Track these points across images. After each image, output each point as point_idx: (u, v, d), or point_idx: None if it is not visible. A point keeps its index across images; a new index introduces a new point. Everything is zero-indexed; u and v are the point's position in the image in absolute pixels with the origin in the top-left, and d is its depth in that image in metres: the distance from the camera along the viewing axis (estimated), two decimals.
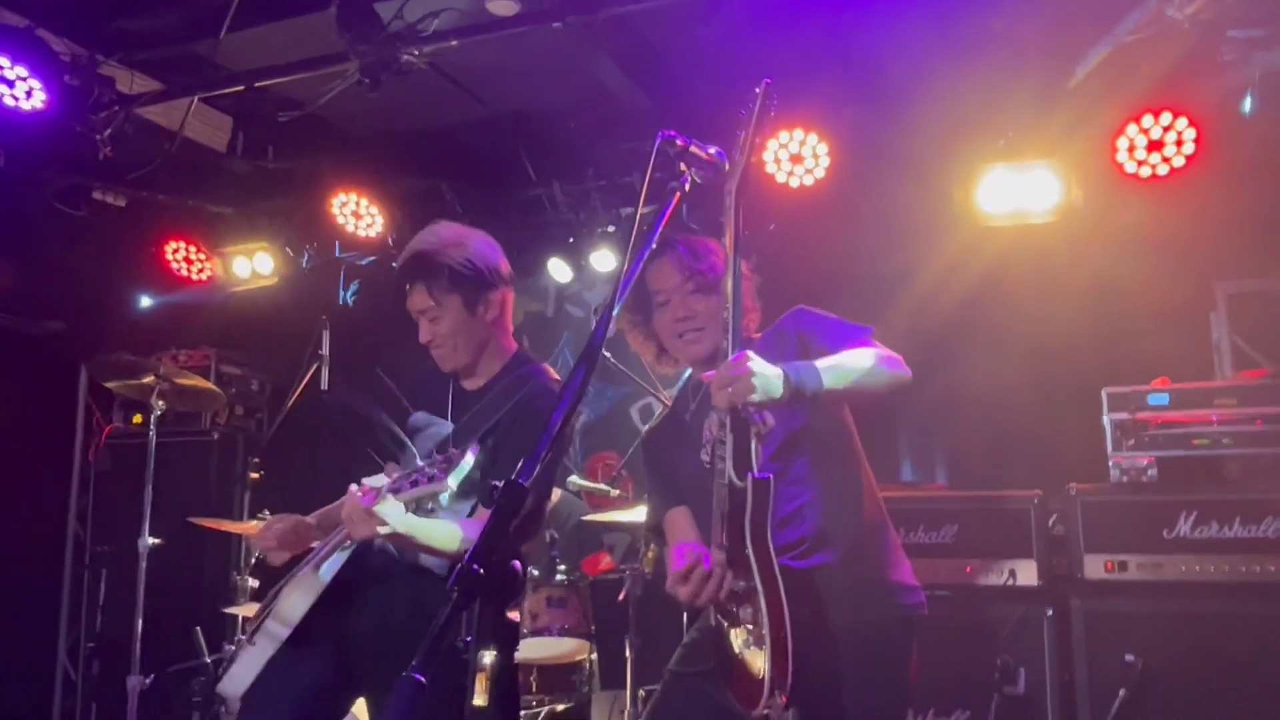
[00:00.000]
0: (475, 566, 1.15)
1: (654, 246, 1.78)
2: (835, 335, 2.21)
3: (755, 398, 1.91)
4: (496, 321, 2.54)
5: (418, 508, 2.16)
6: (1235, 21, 3.77)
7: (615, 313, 1.55)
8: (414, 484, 2.06)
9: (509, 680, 1.22)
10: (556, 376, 2.53)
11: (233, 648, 2.49)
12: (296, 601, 2.30)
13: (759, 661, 1.90)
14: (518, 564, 1.19)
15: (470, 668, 1.16)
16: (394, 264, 2.55)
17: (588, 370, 1.39)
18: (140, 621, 4.41)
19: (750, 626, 1.94)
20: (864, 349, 2.13)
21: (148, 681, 4.34)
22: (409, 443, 2.57)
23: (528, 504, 1.24)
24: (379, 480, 2.18)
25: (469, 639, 1.13)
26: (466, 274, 2.47)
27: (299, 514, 2.56)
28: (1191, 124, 4.05)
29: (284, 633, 2.27)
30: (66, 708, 5.84)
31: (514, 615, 1.11)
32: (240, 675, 2.32)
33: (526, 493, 1.23)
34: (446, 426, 2.52)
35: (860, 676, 2.08)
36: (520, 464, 1.28)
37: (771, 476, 1.94)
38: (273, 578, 2.55)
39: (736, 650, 1.98)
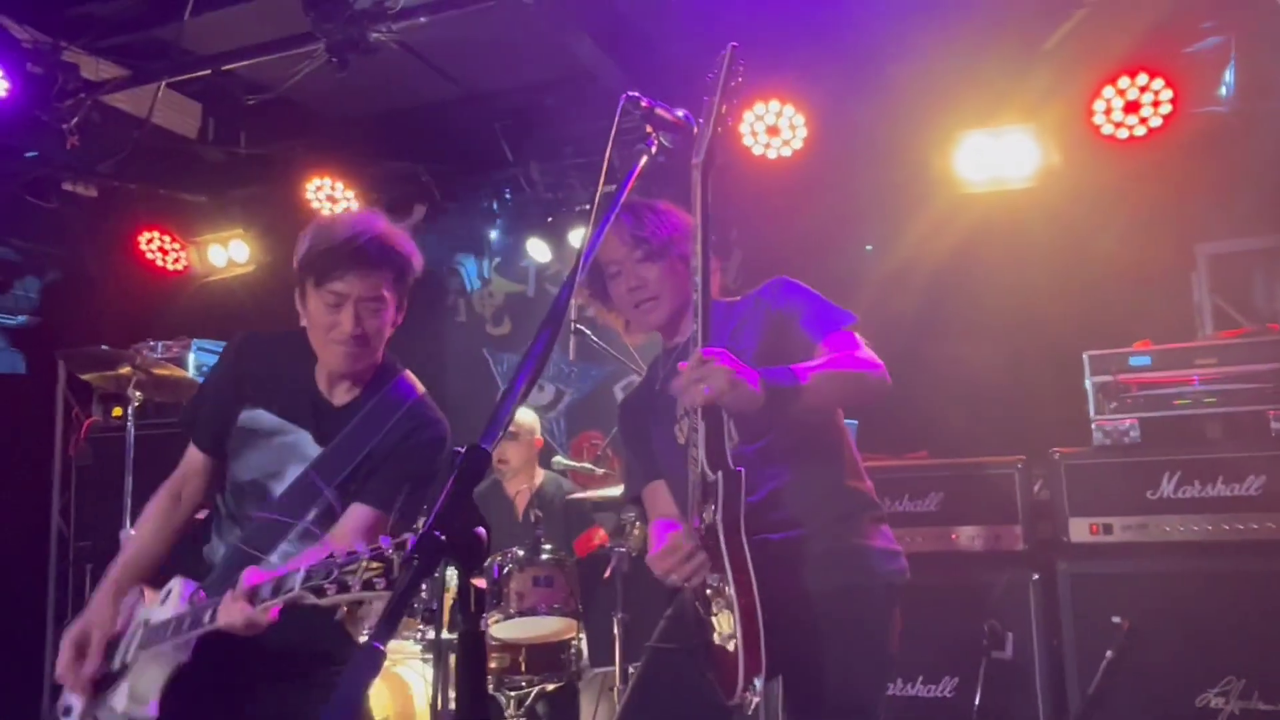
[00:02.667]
0: (437, 533, 1.13)
1: (612, 213, 1.73)
2: (816, 323, 2.15)
3: (731, 397, 1.85)
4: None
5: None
6: None
7: (579, 277, 1.52)
8: (342, 588, 1.69)
9: (477, 650, 1.18)
10: (422, 389, 2.35)
11: None
12: (153, 675, 2.07)
13: (733, 652, 1.88)
14: (481, 530, 1.16)
15: (437, 628, 1.13)
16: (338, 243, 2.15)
17: (552, 334, 1.36)
18: None
19: (725, 616, 1.92)
20: (848, 358, 2.07)
21: None
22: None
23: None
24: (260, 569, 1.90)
25: (433, 606, 1.10)
26: (410, 269, 2.25)
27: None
28: (1168, 84, 4.04)
29: (145, 712, 2.04)
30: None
31: (479, 583, 1.08)
32: None
33: (489, 457, 1.21)
34: (303, 437, 2.25)
35: (839, 642, 2.06)
36: (484, 429, 1.25)
37: (743, 470, 1.90)
38: None
39: (714, 637, 1.97)
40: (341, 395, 2.29)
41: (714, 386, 1.83)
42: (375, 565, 1.64)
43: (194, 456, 2.38)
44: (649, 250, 2.21)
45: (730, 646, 1.89)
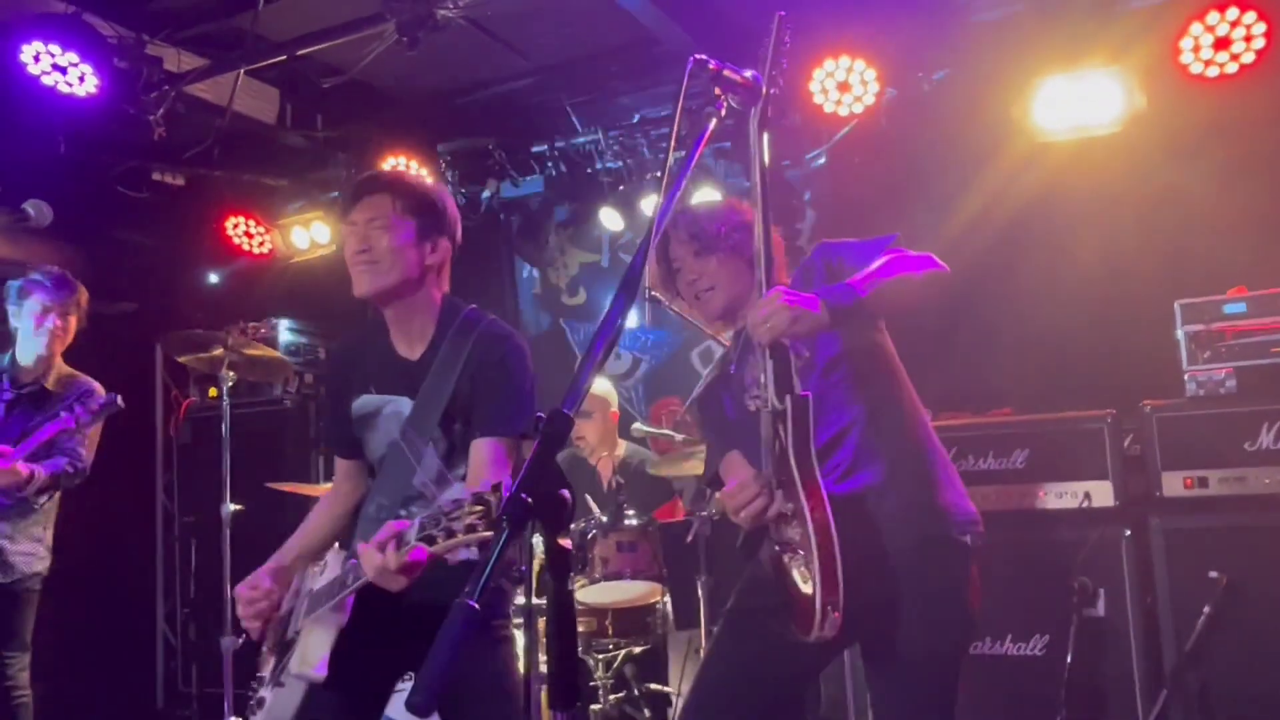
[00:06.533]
0: (524, 495, 1.17)
1: (684, 177, 1.75)
2: (861, 253, 2.22)
3: (797, 328, 1.95)
4: (435, 270, 2.39)
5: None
6: None
7: (654, 241, 1.54)
8: (449, 534, 1.80)
9: (567, 609, 1.22)
10: (490, 316, 2.44)
11: (253, 698, 2.40)
12: (319, 639, 2.21)
13: (810, 592, 1.90)
14: (566, 492, 1.20)
15: (508, 593, 1.17)
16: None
17: (627, 300, 1.38)
18: (229, 585, 4.58)
19: (801, 550, 1.95)
20: (891, 256, 2.14)
21: (240, 641, 4.49)
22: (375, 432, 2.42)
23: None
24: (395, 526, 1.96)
25: (523, 568, 1.14)
26: (433, 205, 2.38)
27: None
28: (1261, 17, 3.86)
29: (313, 674, 2.18)
30: (169, 670, 6.12)
31: (565, 543, 1.12)
32: (276, 718, 2.24)
33: (571, 422, 1.24)
34: (403, 403, 2.36)
35: (917, 603, 2.06)
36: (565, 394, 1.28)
37: (810, 395, 1.98)
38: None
39: (794, 578, 1.99)
40: (418, 349, 2.39)
41: (777, 326, 1.94)
42: (476, 509, 1.73)
43: (339, 463, 2.58)
44: (702, 244, 2.35)
45: (804, 583, 1.92)
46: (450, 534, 1.76)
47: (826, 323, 1.97)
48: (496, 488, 1.69)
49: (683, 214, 2.38)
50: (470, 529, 1.73)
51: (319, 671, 2.17)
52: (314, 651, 2.19)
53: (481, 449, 2.25)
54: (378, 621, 2.19)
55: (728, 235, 2.34)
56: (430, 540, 1.80)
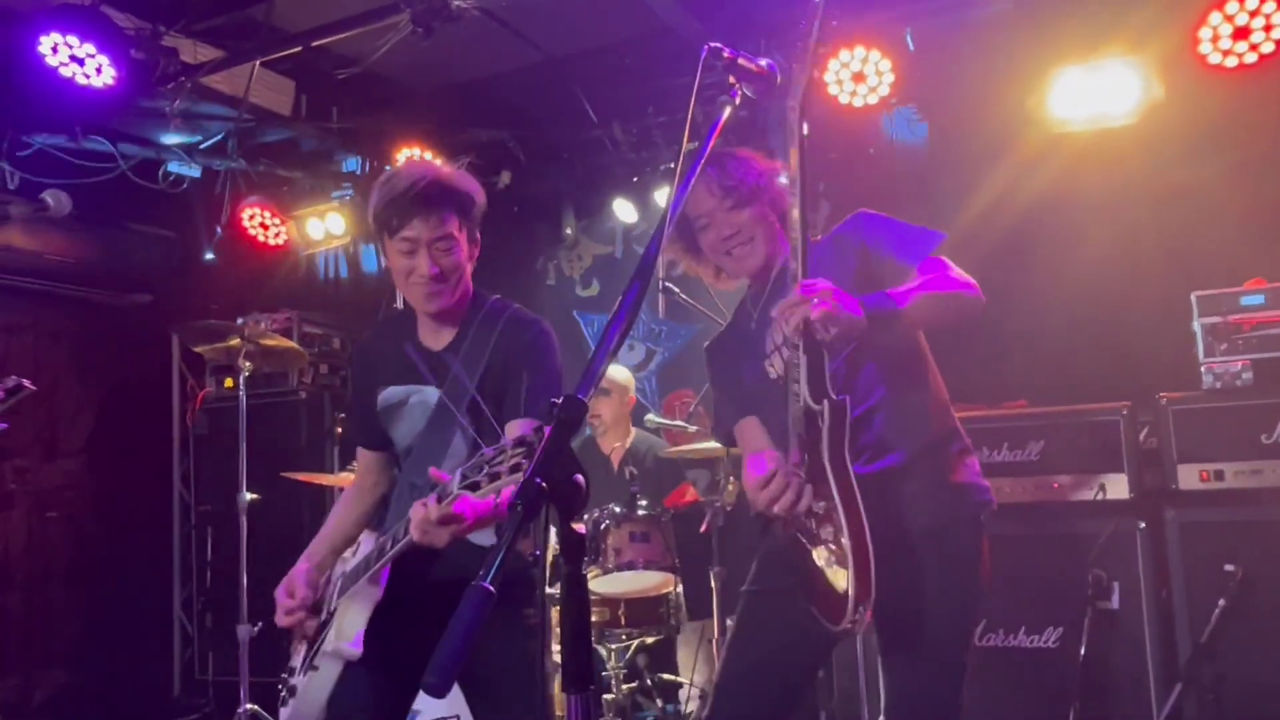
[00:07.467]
0: (538, 480, 1.18)
1: (698, 166, 1.73)
2: (903, 245, 2.18)
3: (838, 329, 1.90)
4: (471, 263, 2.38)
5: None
6: None
7: (667, 232, 1.53)
8: (493, 478, 1.77)
9: (580, 592, 1.21)
10: (516, 305, 2.43)
11: (284, 689, 2.40)
12: (354, 614, 2.21)
13: (841, 578, 1.91)
14: (580, 478, 1.20)
15: (539, 581, 1.18)
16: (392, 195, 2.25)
17: (642, 287, 1.39)
18: (245, 573, 4.61)
19: (831, 544, 1.95)
20: (942, 279, 2.10)
21: (256, 629, 4.54)
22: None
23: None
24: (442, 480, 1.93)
25: (536, 552, 1.15)
26: (475, 205, 2.34)
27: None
28: None
29: (348, 649, 2.18)
30: (186, 658, 6.17)
31: (580, 528, 1.12)
32: (309, 701, 2.24)
33: (585, 407, 1.24)
34: (429, 392, 2.34)
35: (931, 577, 2.09)
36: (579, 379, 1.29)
37: (848, 399, 1.96)
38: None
39: (819, 567, 1.99)
40: (444, 339, 2.39)
41: (822, 308, 1.87)
42: (519, 450, 1.69)
43: (363, 455, 2.57)
44: (740, 197, 2.26)
45: (833, 576, 1.93)
46: (494, 477, 1.73)
47: (864, 328, 1.94)
48: (538, 429, 1.64)
49: (711, 165, 2.24)
50: (515, 469, 1.69)
51: (354, 647, 2.17)
52: (349, 627, 2.19)
53: (517, 428, 2.23)
54: (415, 603, 2.18)
55: (763, 189, 2.26)
56: (474, 487, 1.77)
